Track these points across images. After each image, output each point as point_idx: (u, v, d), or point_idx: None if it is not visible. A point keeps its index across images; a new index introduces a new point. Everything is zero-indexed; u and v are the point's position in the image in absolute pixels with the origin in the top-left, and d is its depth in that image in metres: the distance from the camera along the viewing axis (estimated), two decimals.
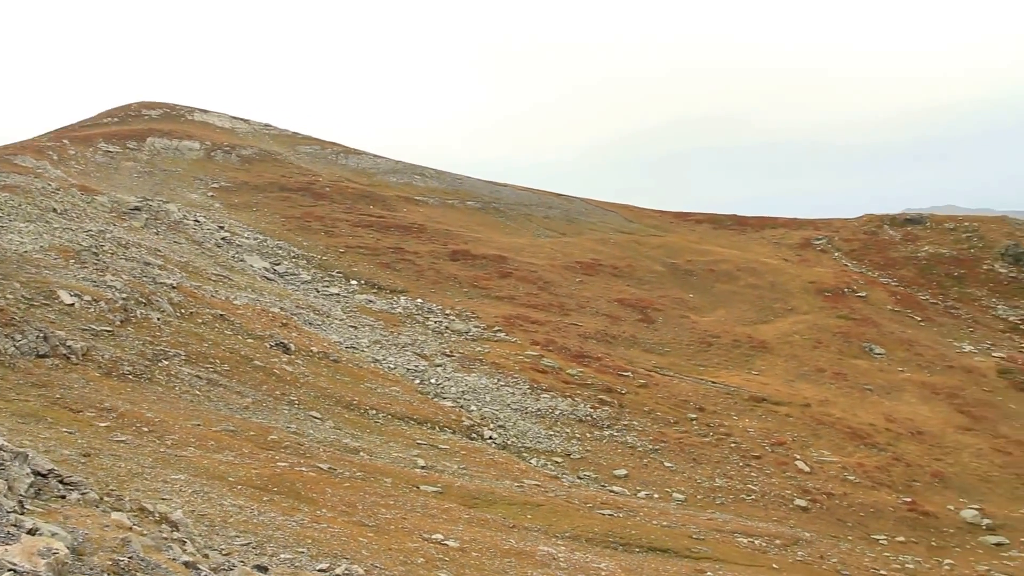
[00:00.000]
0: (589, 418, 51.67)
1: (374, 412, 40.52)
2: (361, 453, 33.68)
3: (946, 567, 42.86)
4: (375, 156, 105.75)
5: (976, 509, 50.31)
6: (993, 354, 75.90)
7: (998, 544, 47.02)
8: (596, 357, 61.17)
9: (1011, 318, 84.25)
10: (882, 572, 40.88)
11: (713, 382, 62.08)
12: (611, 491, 43.90)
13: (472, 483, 34.40)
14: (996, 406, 66.03)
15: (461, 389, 49.63)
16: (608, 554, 30.56)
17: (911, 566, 42.46)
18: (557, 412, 51.08)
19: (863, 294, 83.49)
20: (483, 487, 34.12)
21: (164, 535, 12.26)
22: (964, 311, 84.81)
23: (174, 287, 43.05)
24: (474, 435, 44.26)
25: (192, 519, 17.18)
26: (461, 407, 47.41)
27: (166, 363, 34.03)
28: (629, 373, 59.29)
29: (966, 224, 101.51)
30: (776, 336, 72.60)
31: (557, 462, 46.15)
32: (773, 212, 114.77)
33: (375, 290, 64.42)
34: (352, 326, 54.39)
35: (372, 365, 48.63)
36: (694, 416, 55.24)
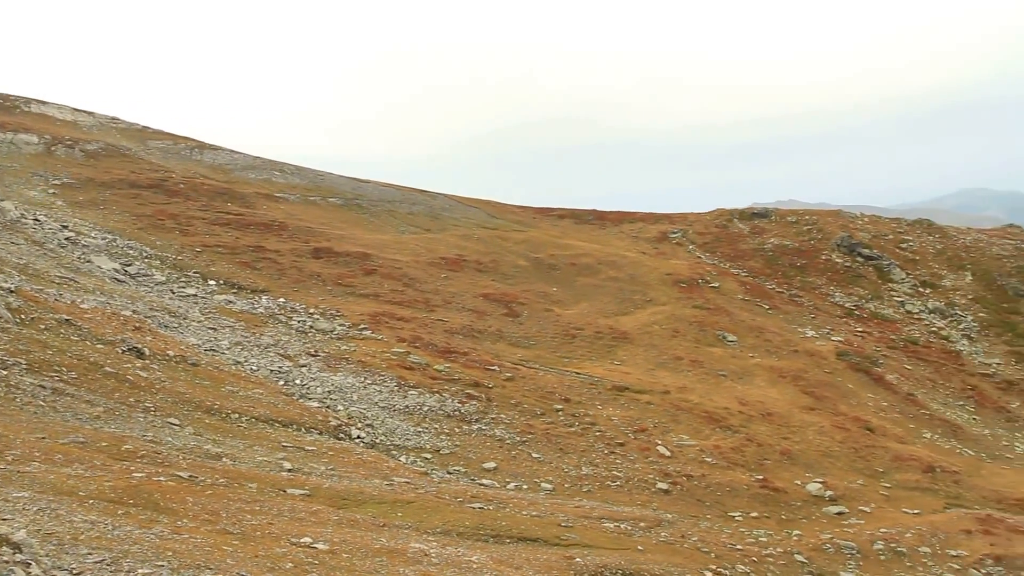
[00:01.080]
0: (457, 413, 51.89)
1: (236, 416, 39.24)
2: (224, 459, 32.56)
3: (794, 537, 45.74)
4: (232, 152, 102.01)
5: (820, 482, 53.95)
6: (832, 338, 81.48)
7: (839, 513, 50.66)
8: (463, 352, 61.47)
9: (846, 304, 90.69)
10: (738, 547, 43.18)
11: (577, 373, 63.62)
12: (481, 484, 44.30)
13: (341, 484, 33.90)
14: (836, 386, 70.93)
15: (327, 389, 48.78)
16: (480, 546, 30.86)
17: (764, 539, 45.07)
18: (425, 408, 51.03)
19: (716, 284, 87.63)
20: (352, 487, 33.70)
21: (5, 558, 11.50)
22: (806, 299, 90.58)
23: (12, 291, 40.11)
24: (342, 435, 43.62)
25: (38, 539, 16.15)
26: (328, 407, 46.60)
27: (4, 373, 31.71)
28: (496, 367, 59.90)
29: (807, 217, 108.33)
30: (636, 327, 75.14)
31: (426, 458, 46.14)
32: (632, 207, 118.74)
33: (235, 290, 62.26)
34: (211, 328, 52.37)
35: (233, 368, 47.04)
36: (560, 407, 56.45)
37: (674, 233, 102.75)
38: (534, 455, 50.09)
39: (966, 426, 71.07)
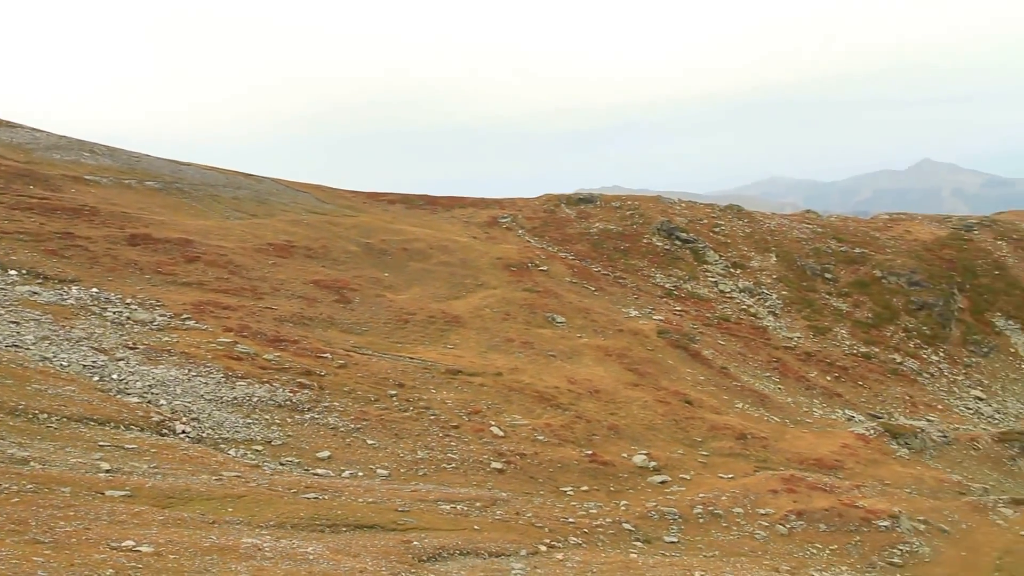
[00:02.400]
0: (289, 403, 50.64)
1: (45, 416, 36.52)
2: (32, 463, 30.28)
3: (622, 507, 48.05)
4: (33, 130, 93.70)
5: (645, 454, 56.94)
6: (653, 317, 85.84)
7: (663, 482, 53.71)
8: (293, 340, 59.95)
9: (666, 285, 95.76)
10: (570, 520, 44.88)
11: (411, 358, 63.64)
12: (315, 474, 43.53)
13: (165, 482, 32.35)
14: (657, 363, 74.88)
15: (148, 383, 46.20)
16: (315, 537, 30.42)
17: (594, 511, 47.05)
18: (255, 399, 49.42)
19: (545, 268, 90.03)
20: (178, 485, 32.24)
21: None
22: (629, 280, 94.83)
23: None
24: (165, 431, 41.53)
25: None
26: (149, 402, 44.17)
27: None
28: (328, 355, 58.88)
29: (629, 203, 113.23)
30: (468, 311, 76.00)
31: (257, 450, 44.78)
32: (463, 193, 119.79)
33: (40, 280, 57.53)
34: (13, 322, 48.25)
35: (41, 364, 43.63)
36: (394, 392, 56.31)
37: (504, 218, 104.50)
38: (369, 442, 49.75)
39: (772, 395, 77.06)
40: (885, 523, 48.34)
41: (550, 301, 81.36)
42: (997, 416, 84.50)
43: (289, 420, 49.37)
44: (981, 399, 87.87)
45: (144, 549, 22.44)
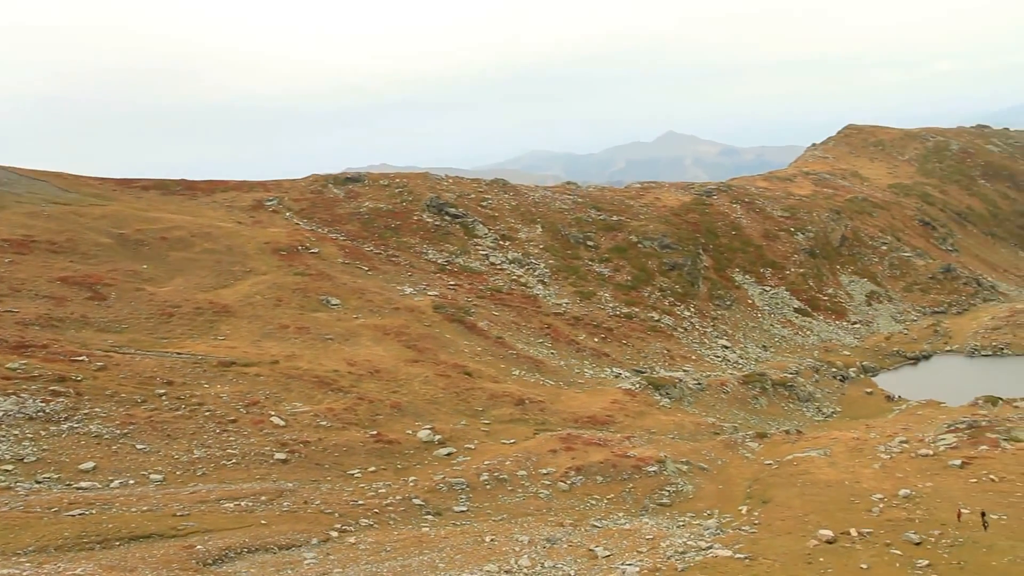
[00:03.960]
0: (42, 414, 46.24)
1: None
2: None
3: (411, 483, 48.56)
4: None
5: (429, 428, 57.76)
6: (428, 293, 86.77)
7: (448, 454, 54.81)
8: (41, 345, 54.64)
9: (439, 260, 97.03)
10: (360, 502, 44.75)
11: (179, 353, 60.13)
12: (79, 488, 40.21)
13: None
14: (435, 338, 75.93)
15: None
16: (85, 556, 28.27)
17: (383, 490, 47.19)
18: (0, 414, 44.66)
19: (316, 250, 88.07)
20: None
21: None
22: (403, 258, 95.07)
23: None
24: None
25: None
26: None
27: None
28: (84, 357, 54.27)
29: (397, 180, 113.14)
30: (238, 299, 72.87)
31: (7, 471, 40.59)
32: (222, 176, 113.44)
33: None
34: None
35: None
36: (163, 391, 53.06)
37: (270, 201, 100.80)
38: (139, 446, 46.62)
39: (546, 360, 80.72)
40: (653, 468, 52.49)
41: (323, 284, 79.81)
42: (741, 361, 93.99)
43: (44, 433, 45.08)
44: (727, 347, 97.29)
45: None
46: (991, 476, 47.28)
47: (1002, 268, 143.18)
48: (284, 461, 49.07)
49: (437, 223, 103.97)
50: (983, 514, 37.89)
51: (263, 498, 42.37)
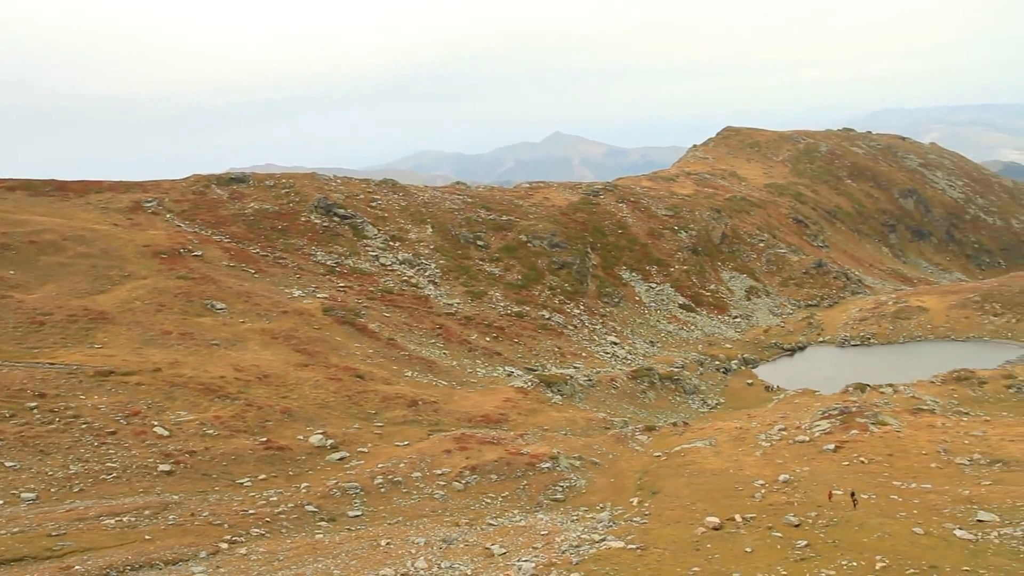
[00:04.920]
0: None
1: None
2: None
3: (303, 490, 47.65)
4: None
5: (321, 433, 56.77)
6: (318, 295, 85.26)
7: (341, 458, 54.04)
8: None
9: (328, 262, 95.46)
10: (251, 511, 43.58)
11: (51, 364, 57.02)
12: None
13: None
14: (326, 341, 74.68)
15: None
16: None
17: (275, 498, 46.12)
18: None
19: (199, 253, 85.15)
20: None
21: None
22: (290, 260, 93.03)
23: None
24: None
25: None
26: None
27: None
28: None
29: (284, 181, 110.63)
30: (116, 305, 69.71)
31: None
32: (95, 176, 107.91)
33: None
34: None
35: None
36: (34, 404, 50.24)
37: (149, 202, 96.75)
38: (8, 464, 43.98)
39: (439, 360, 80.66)
40: (547, 464, 53.26)
41: (208, 288, 77.25)
42: (629, 357, 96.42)
43: None
44: (616, 343, 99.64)
45: None
46: (861, 458, 50.24)
47: (867, 263, 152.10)
48: (169, 473, 47.29)
49: (325, 224, 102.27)
50: (852, 494, 40.32)
51: (147, 512, 40.74)
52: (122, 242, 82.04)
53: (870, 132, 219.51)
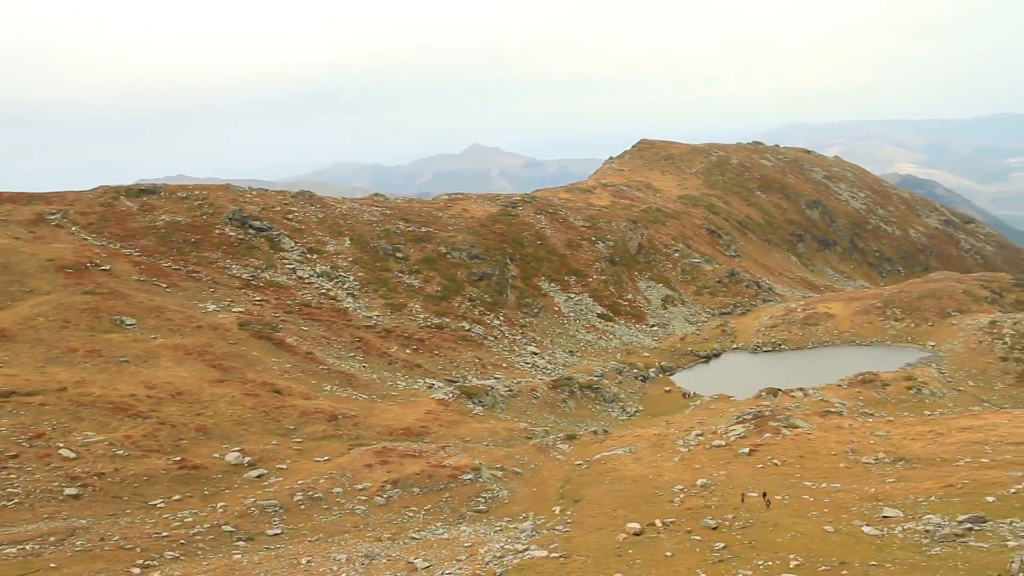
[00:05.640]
0: None
1: None
2: None
3: (220, 510, 46.42)
4: None
5: (238, 451, 55.43)
6: (233, 309, 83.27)
7: (259, 476, 52.86)
8: None
9: (244, 275, 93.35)
10: (164, 534, 42.21)
11: None
12: None
13: None
14: (242, 355, 72.95)
15: None
16: None
17: (190, 519, 44.80)
18: None
19: (107, 267, 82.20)
20: None
21: None
22: (204, 274, 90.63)
23: None
24: None
25: None
26: None
27: None
28: None
29: (197, 192, 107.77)
30: (17, 322, 66.68)
31: None
32: None
33: None
34: None
35: None
36: None
37: (52, 214, 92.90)
38: None
39: (358, 374, 79.71)
40: (469, 476, 53.22)
41: (117, 303, 74.57)
42: (550, 367, 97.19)
43: None
44: (536, 353, 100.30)
45: None
46: (775, 461, 51.85)
47: (777, 271, 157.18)
48: (76, 496, 45.45)
49: (241, 237, 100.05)
50: (763, 495, 41.73)
51: (52, 539, 39.06)
52: (23, 256, 78.60)
53: (778, 145, 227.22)
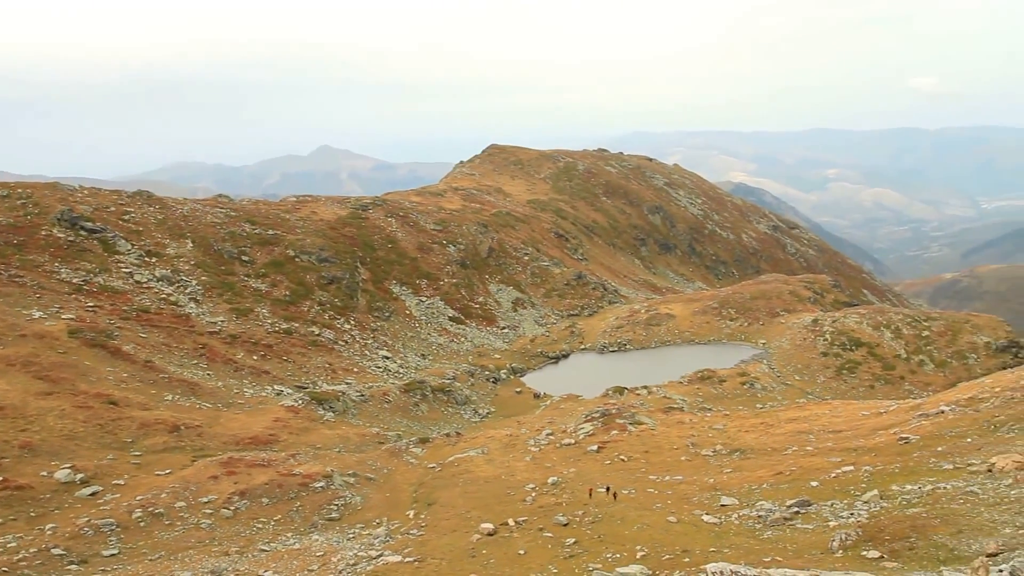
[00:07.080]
0: None
1: None
2: None
3: (48, 532, 43.37)
4: None
5: (69, 467, 51.88)
6: (62, 316, 77.82)
7: (93, 494, 49.71)
8: None
9: (74, 280, 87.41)
10: None
11: None
12: None
13: None
14: (73, 365, 68.32)
15: None
16: None
17: (13, 544, 41.62)
18: None
19: None
20: None
21: None
22: (29, 278, 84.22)
23: None
24: None
25: None
26: None
27: None
28: None
29: (20, 191, 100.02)
30: None
31: None
32: None
33: None
34: None
35: None
36: None
37: None
38: None
39: (202, 382, 76.40)
40: (320, 484, 52.24)
41: None
42: (402, 370, 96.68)
43: None
44: (388, 357, 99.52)
45: None
46: (622, 456, 53.91)
47: (622, 274, 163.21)
48: None
49: (71, 239, 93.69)
50: (608, 489, 43.55)
51: None
52: None
53: (622, 153, 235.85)
